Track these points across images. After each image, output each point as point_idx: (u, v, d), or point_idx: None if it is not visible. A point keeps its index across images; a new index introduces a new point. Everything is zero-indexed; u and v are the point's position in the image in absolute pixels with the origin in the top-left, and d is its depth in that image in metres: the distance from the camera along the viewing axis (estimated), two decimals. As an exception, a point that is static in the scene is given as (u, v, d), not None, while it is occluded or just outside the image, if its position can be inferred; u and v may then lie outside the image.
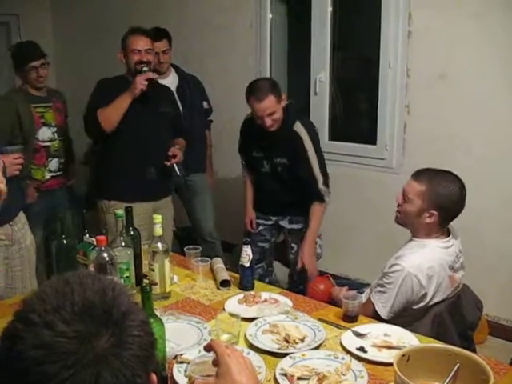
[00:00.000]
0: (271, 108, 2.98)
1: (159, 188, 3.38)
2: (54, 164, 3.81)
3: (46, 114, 3.73)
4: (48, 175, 3.79)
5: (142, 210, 3.04)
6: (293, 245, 3.48)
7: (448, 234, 2.29)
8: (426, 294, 2.16)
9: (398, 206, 2.28)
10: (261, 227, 3.51)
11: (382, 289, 2.19)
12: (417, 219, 2.21)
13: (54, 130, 3.77)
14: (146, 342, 0.82)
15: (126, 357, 0.77)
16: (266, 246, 3.56)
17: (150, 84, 3.09)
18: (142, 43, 3.18)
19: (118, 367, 0.76)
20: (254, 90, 3.02)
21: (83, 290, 0.81)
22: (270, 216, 3.47)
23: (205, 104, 4.11)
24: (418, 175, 2.23)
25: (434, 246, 2.21)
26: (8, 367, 0.76)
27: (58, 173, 3.86)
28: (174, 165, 3.27)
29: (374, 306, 2.18)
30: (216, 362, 1.19)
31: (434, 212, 2.17)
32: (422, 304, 2.18)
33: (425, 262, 2.15)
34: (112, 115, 3.10)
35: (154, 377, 0.89)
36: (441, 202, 2.16)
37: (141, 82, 3.05)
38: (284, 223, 3.46)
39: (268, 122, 3.01)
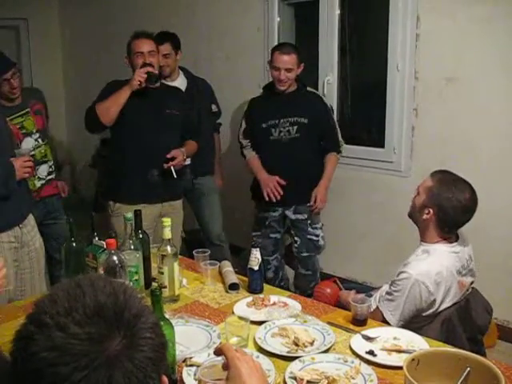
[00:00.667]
0: (291, 64, 3.38)
1: (165, 191, 3.34)
2: (43, 170, 3.57)
3: (24, 123, 3.45)
4: (39, 183, 3.54)
5: (148, 212, 3.04)
6: (296, 238, 3.68)
7: (456, 239, 2.28)
8: (434, 300, 2.15)
9: (412, 200, 2.34)
10: (269, 220, 3.67)
11: (390, 297, 2.18)
12: (419, 214, 2.26)
13: (37, 136, 3.51)
14: (157, 343, 0.83)
15: (138, 358, 0.78)
16: (278, 237, 3.77)
17: (149, 78, 3.12)
18: (145, 46, 3.22)
19: (131, 369, 0.77)
20: (281, 46, 3.54)
21: (95, 293, 0.82)
22: (276, 207, 3.60)
23: (213, 107, 4.11)
24: (435, 173, 2.29)
25: (441, 250, 2.20)
26: (21, 369, 0.77)
27: (50, 177, 3.63)
28: (171, 168, 3.22)
29: (382, 314, 2.17)
30: (226, 366, 1.19)
31: (431, 210, 2.21)
32: (431, 310, 2.17)
33: (432, 268, 2.14)
34: (110, 107, 3.14)
35: (165, 379, 0.89)
36: (440, 202, 2.19)
37: (139, 74, 3.10)
38: (289, 213, 3.63)
39: (283, 75, 3.38)
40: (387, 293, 2.21)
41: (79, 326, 0.77)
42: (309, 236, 3.65)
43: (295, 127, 3.49)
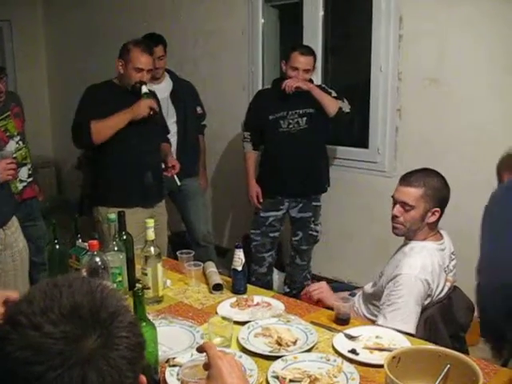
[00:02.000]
0: (310, 65, 3.51)
1: (155, 194, 3.32)
2: (23, 172, 3.57)
3: (8, 126, 3.46)
4: (20, 185, 3.53)
5: (142, 215, 2.92)
6: (298, 233, 3.82)
7: (441, 236, 2.30)
8: (432, 291, 2.15)
9: (396, 218, 2.23)
10: (271, 218, 3.76)
11: (394, 307, 2.09)
12: (421, 222, 2.21)
13: (18, 138, 3.52)
14: (134, 343, 0.82)
15: (114, 358, 0.78)
16: (277, 235, 3.87)
17: (152, 117, 3.09)
18: (147, 62, 3.09)
19: (105, 368, 0.77)
20: (301, 47, 3.61)
21: (71, 293, 0.82)
22: (280, 205, 3.71)
23: (198, 109, 4.12)
24: (410, 181, 2.22)
25: (429, 247, 2.21)
26: None
27: (30, 179, 3.63)
28: (175, 175, 3.26)
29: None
30: (207, 365, 1.20)
31: (437, 209, 2.20)
32: (425, 303, 2.16)
33: (426, 262, 2.15)
34: (107, 131, 3.04)
35: (143, 379, 0.89)
36: (441, 196, 2.22)
37: (145, 110, 3.04)
38: (294, 213, 3.76)
39: (301, 76, 3.48)
40: (388, 305, 2.12)
41: (54, 325, 0.77)
42: (310, 232, 3.80)
43: (304, 118, 3.58)
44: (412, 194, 2.19)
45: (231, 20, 4.58)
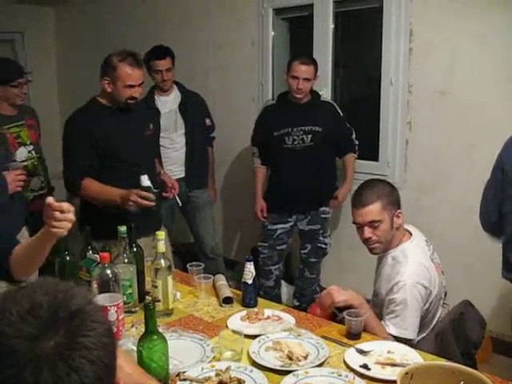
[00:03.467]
0: (310, 74, 3.51)
1: (155, 219, 3.06)
2: (35, 182, 3.60)
3: (21, 133, 3.54)
4: (31, 195, 3.55)
5: (144, 244, 2.58)
6: (306, 245, 3.81)
7: (410, 233, 2.36)
8: (430, 292, 2.20)
9: (369, 239, 2.27)
10: (279, 231, 3.77)
11: (394, 314, 2.13)
12: (392, 230, 2.28)
13: (31, 148, 3.58)
14: (95, 342, 0.80)
15: (73, 357, 0.77)
16: (284, 248, 3.88)
17: (147, 199, 2.67)
18: (138, 77, 2.79)
19: (61, 367, 0.76)
20: (300, 57, 3.61)
21: (33, 293, 0.82)
22: (288, 218, 3.72)
23: (207, 121, 4.13)
24: (364, 201, 2.25)
25: (409, 248, 2.27)
26: None
27: (41, 192, 3.62)
28: (176, 196, 3.18)
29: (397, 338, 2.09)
30: None
31: (399, 210, 2.29)
32: (427, 304, 2.21)
33: (417, 265, 2.19)
34: (95, 198, 2.83)
35: (118, 380, 0.89)
36: (395, 198, 2.30)
37: (135, 207, 2.66)
38: (302, 225, 3.76)
39: (301, 85, 3.49)
40: (388, 313, 2.16)
41: (10, 325, 0.77)
42: (319, 244, 3.79)
43: (309, 136, 3.59)
44: (374, 210, 2.24)
45: (241, 32, 4.60)
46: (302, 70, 3.51)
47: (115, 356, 0.85)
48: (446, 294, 3.52)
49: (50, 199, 1.59)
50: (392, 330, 2.11)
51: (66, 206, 1.60)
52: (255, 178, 3.82)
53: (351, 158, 3.77)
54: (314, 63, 3.59)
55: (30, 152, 3.58)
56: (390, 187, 2.33)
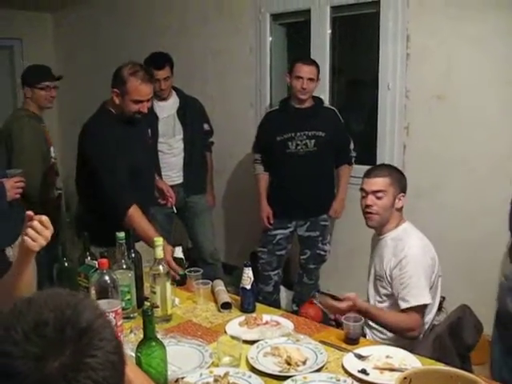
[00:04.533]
0: (313, 74, 3.55)
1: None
2: (58, 181, 3.85)
3: (49, 133, 3.80)
4: (56, 193, 3.81)
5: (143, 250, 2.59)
6: (305, 250, 3.81)
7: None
8: (434, 264, 2.35)
9: (369, 207, 2.43)
10: (279, 237, 3.76)
11: (409, 288, 2.26)
12: (392, 209, 2.42)
13: (54, 149, 3.81)
14: (102, 362, 0.78)
15: (76, 379, 0.75)
16: (283, 253, 3.87)
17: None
18: (147, 93, 2.73)
19: None
20: (302, 58, 3.71)
21: (40, 309, 0.79)
22: (288, 224, 3.72)
23: (205, 126, 4.13)
24: (376, 172, 2.47)
25: (409, 227, 2.45)
26: None
27: (60, 191, 3.88)
28: (173, 206, 3.18)
29: (414, 309, 2.24)
30: None
31: (403, 194, 2.44)
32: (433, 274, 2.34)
33: (420, 239, 2.39)
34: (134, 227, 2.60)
35: None
36: (403, 184, 2.47)
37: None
38: (302, 231, 3.76)
39: (306, 84, 3.52)
40: (403, 288, 2.28)
41: (15, 345, 0.75)
42: (318, 251, 3.79)
43: (313, 141, 3.59)
44: (381, 182, 2.42)
45: (239, 38, 4.62)
46: (306, 70, 3.53)
47: (123, 373, 0.83)
48: (444, 299, 3.53)
49: (29, 212, 1.59)
50: (413, 302, 2.24)
51: (45, 219, 1.59)
52: (258, 185, 3.80)
53: (346, 170, 3.76)
54: (316, 64, 3.63)
55: (54, 152, 3.79)
56: (401, 174, 2.51)
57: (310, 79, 3.54)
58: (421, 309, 2.26)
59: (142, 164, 2.87)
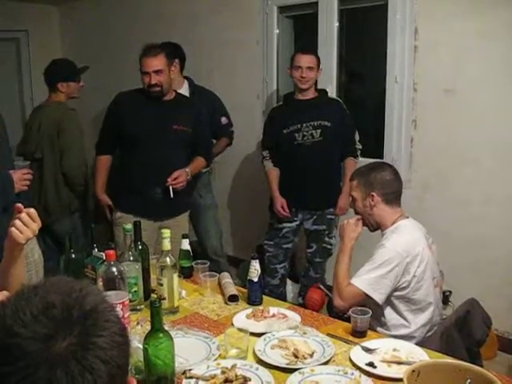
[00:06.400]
0: (312, 63, 3.54)
1: (164, 209, 3.27)
2: None
3: None
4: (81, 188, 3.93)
5: (146, 226, 2.89)
6: (311, 244, 3.80)
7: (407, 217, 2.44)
8: (410, 262, 2.25)
9: (357, 214, 2.48)
10: (285, 230, 3.76)
11: (367, 268, 2.27)
12: (369, 209, 2.40)
13: None
14: (109, 341, 0.79)
15: (87, 358, 0.76)
16: (290, 246, 3.85)
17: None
18: (150, 65, 3.12)
19: (75, 368, 0.75)
20: (302, 48, 3.73)
21: (46, 293, 0.81)
22: (294, 217, 3.71)
23: (223, 119, 4.05)
24: (351, 178, 2.53)
25: (404, 224, 2.36)
26: None
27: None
28: (170, 187, 3.18)
29: (362, 291, 2.23)
30: None
31: (372, 193, 2.37)
32: (408, 277, 2.26)
33: (407, 237, 2.30)
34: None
35: (131, 381, 0.88)
36: (370, 180, 2.39)
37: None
38: (308, 225, 3.74)
39: (305, 73, 3.52)
40: (364, 267, 2.29)
41: (24, 326, 0.76)
42: (324, 244, 3.77)
43: (318, 131, 3.57)
44: (350, 188, 2.49)
45: (246, 30, 4.60)
46: (304, 59, 3.53)
47: (128, 355, 0.85)
48: (450, 293, 3.53)
49: (18, 204, 1.60)
50: (352, 280, 2.27)
51: (33, 211, 1.60)
52: (269, 179, 3.75)
53: (351, 163, 3.65)
54: (316, 54, 3.62)
55: None
56: (366, 173, 2.45)
57: (309, 68, 3.53)
58: (358, 292, 2.24)
59: (155, 142, 3.19)
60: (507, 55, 3.27)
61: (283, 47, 4.51)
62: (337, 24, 4.10)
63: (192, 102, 3.60)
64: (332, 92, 4.09)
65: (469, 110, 3.46)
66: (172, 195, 3.18)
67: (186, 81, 3.98)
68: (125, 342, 0.84)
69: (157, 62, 3.12)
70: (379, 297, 2.22)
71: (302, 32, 4.57)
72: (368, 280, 2.23)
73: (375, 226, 2.45)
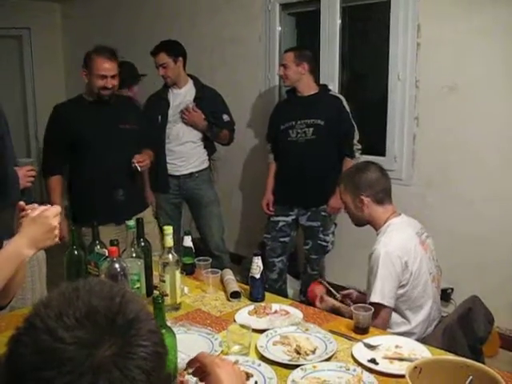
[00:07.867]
0: (286, 60, 3.63)
1: (130, 208, 3.18)
2: None
3: None
4: None
5: (112, 231, 2.90)
6: (307, 241, 3.82)
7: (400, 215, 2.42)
8: (406, 262, 2.24)
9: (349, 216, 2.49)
10: (281, 223, 3.81)
11: (371, 284, 2.24)
12: (361, 213, 2.40)
13: None
14: (151, 353, 0.79)
15: (128, 367, 0.76)
16: (287, 241, 3.89)
17: None
18: (109, 68, 3.10)
19: (118, 377, 0.75)
20: (287, 49, 3.82)
21: (89, 297, 0.80)
22: (289, 211, 3.76)
23: (225, 117, 4.04)
24: (338, 182, 2.55)
25: (395, 222, 2.35)
26: (8, 371, 0.76)
27: None
28: (137, 165, 3.19)
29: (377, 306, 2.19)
30: (202, 379, 1.16)
31: (361, 197, 2.36)
32: (407, 275, 2.25)
33: (398, 237, 2.29)
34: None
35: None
36: (358, 183, 2.38)
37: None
38: (303, 221, 3.77)
39: (281, 71, 3.65)
40: (368, 287, 2.27)
41: (67, 330, 0.75)
42: (319, 241, 3.77)
43: (311, 129, 3.59)
44: (339, 193, 2.50)
45: (248, 27, 4.60)
46: (283, 57, 3.71)
47: (166, 365, 0.85)
48: (452, 290, 3.53)
49: (21, 202, 1.62)
50: (369, 299, 2.22)
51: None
52: (268, 173, 3.88)
53: (347, 163, 3.55)
54: (292, 51, 3.68)
55: None
56: (352, 172, 2.47)
57: (283, 65, 3.64)
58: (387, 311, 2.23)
59: (105, 144, 3.15)
60: (509, 52, 3.27)
61: (285, 45, 4.50)
62: (339, 21, 4.10)
63: (131, 99, 3.67)
64: (334, 89, 4.09)
65: (471, 107, 3.46)
66: (140, 169, 3.24)
67: (190, 80, 3.96)
68: (164, 352, 0.84)
69: (115, 67, 3.15)
70: (393, 302, 2.25)
71: (305, 29, 4.57)
72: (388, 294, 2.22)
73: (365, 224, 2.47)
